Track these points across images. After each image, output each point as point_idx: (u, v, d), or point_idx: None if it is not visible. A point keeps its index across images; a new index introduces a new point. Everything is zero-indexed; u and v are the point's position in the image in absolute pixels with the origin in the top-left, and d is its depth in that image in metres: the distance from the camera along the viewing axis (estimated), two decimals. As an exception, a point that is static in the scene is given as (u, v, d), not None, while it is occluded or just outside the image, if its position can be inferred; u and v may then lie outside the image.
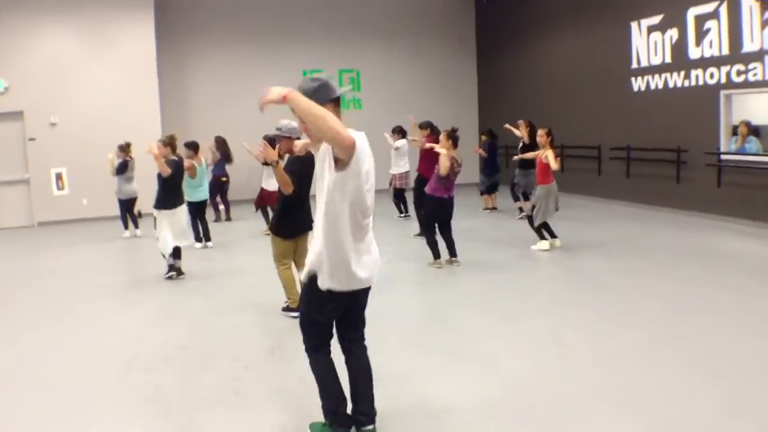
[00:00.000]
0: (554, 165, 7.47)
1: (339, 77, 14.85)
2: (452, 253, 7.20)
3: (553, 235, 7.88)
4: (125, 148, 9.82)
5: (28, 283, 7.35)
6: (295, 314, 4.79)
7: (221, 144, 10.86)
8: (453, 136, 6.95)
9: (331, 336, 3.16)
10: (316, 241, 2.93)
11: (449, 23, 15.66)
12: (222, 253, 8.56)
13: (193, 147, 8.59)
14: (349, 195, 2.77)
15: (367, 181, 2.83)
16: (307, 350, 3.14)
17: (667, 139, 9.98)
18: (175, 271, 6.96)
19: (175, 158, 6.99)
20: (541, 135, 7.83)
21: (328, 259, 2.87)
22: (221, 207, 11.33)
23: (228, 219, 11.32)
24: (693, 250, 7.48)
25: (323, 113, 2.58)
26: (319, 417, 3.21)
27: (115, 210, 10.40)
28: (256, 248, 8.38)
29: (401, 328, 5.06)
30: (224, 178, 11.02)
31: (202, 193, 8.81)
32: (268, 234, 9.70)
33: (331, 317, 3.09)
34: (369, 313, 3.24)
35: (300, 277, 3.80)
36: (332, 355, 3.16)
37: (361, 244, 2.92)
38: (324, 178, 2.81)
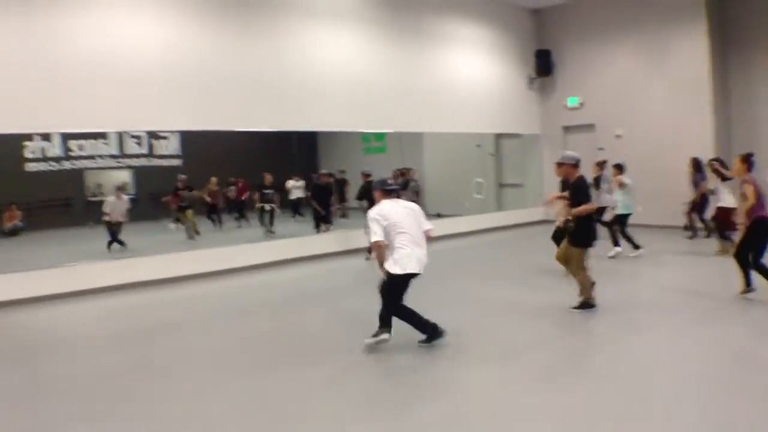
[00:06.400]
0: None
1: None
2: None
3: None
4: (600, 164, 10.35)
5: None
6: (588, 309, 6.24)
7: (697, 165, 11.08)
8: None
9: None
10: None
11: None
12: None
13: (618, 167, 9.87)
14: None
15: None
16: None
17: None
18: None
19: None
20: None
21: None
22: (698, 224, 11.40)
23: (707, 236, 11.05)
24: None
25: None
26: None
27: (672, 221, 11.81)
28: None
29: None
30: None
31: (628, 208, 9.71)
32: (721, 253, 9.31)
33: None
34: None
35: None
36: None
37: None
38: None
